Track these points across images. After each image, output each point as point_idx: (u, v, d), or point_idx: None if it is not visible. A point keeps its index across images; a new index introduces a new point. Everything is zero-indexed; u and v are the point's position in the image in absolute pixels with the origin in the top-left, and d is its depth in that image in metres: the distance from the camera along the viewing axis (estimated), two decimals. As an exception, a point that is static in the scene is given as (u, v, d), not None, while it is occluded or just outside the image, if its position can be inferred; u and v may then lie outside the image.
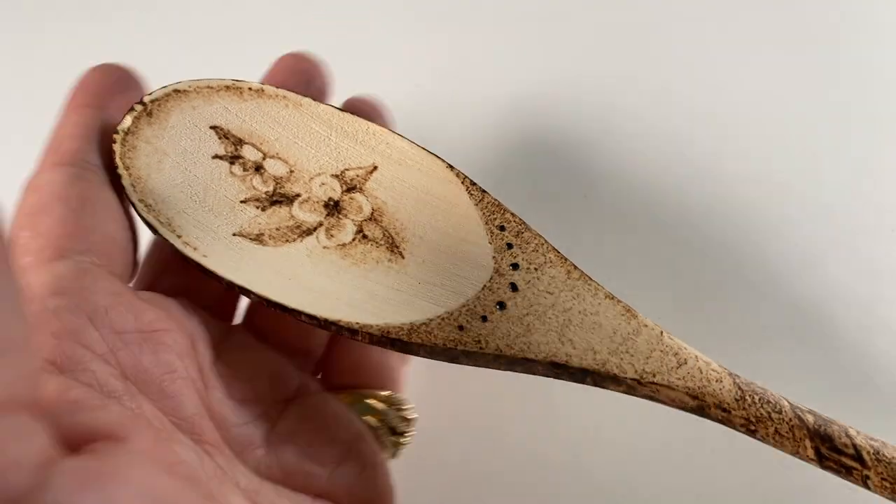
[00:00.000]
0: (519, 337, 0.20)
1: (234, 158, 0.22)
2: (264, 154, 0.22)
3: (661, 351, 0.20)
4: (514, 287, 0.21)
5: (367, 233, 0.22)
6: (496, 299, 0.21)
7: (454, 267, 0.21)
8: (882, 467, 0.19)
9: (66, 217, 0.19)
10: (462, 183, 0.22)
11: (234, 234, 0.21)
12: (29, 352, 0.15)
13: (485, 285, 0.21)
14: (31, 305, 0.18)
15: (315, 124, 0.23)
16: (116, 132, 0.21)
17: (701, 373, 0.20)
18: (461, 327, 0.20)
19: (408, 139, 0.23)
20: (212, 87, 0.23)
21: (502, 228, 0.22)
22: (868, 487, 0.19)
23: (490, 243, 0.21)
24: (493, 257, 0.21)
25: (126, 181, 0.21)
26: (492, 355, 0.20)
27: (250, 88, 0.23)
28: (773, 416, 0.19)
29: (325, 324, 0.20)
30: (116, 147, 0.21)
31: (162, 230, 0.21)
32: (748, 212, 0.30)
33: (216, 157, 0.22)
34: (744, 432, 0.20)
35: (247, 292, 0.20)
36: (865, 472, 0.19)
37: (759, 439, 0.20)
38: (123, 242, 0.20)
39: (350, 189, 0.22)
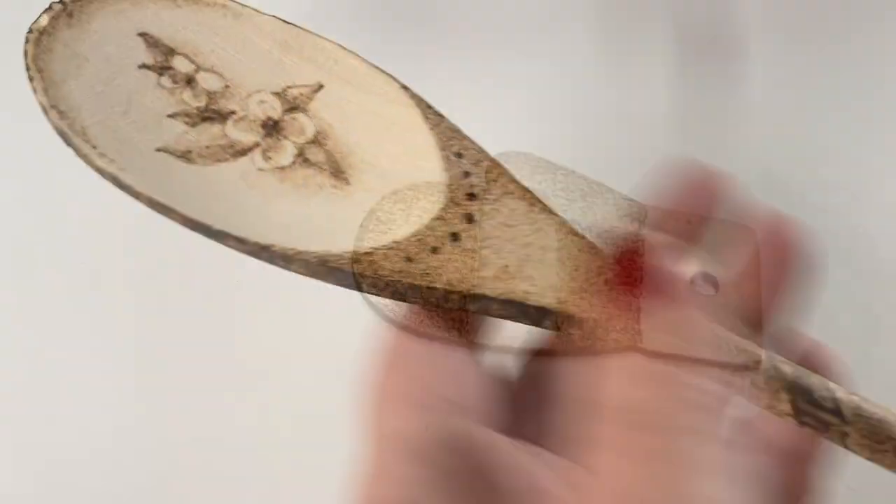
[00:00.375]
0: (473, 271, 0.18)
1: (163, 69, 0.20)
2: (197, 66, 0.20)
3: None
4: (468, 218, 0.19)
5: (309, 156, 0.20)
6: (449, 230, 0.19)
7: None
8: (862, 423, 0.17)
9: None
10: (417, 106, 0.20)
11: (157, 150, 0.19)
12: None
13: (437, 215, 0.19)
14: None
15: (256, 37, 0.21)
16: (30, 31, 0.19)
17: None
18: (409, 259, 0.18)
19: (359, 56, 0.21)
20: None
21: (459, 156, 0.20)
22: (846, 446, 0.18)
23: (445, 171, 0.19)
24: (448, 185, 0.19)
25: (38, 84, 0.18)
26: (442, 290, 0.18)
27: None
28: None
29: (257, 249, 0.18)
30: (29, 47, 0.19)
31: (75, 140, 0.18)
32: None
33: (143, 66, 0.20)
34: None
35: (168, 211, 0.18)
36: (844, 427, 0.17)
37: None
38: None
39: (292, 108, 0.20)
